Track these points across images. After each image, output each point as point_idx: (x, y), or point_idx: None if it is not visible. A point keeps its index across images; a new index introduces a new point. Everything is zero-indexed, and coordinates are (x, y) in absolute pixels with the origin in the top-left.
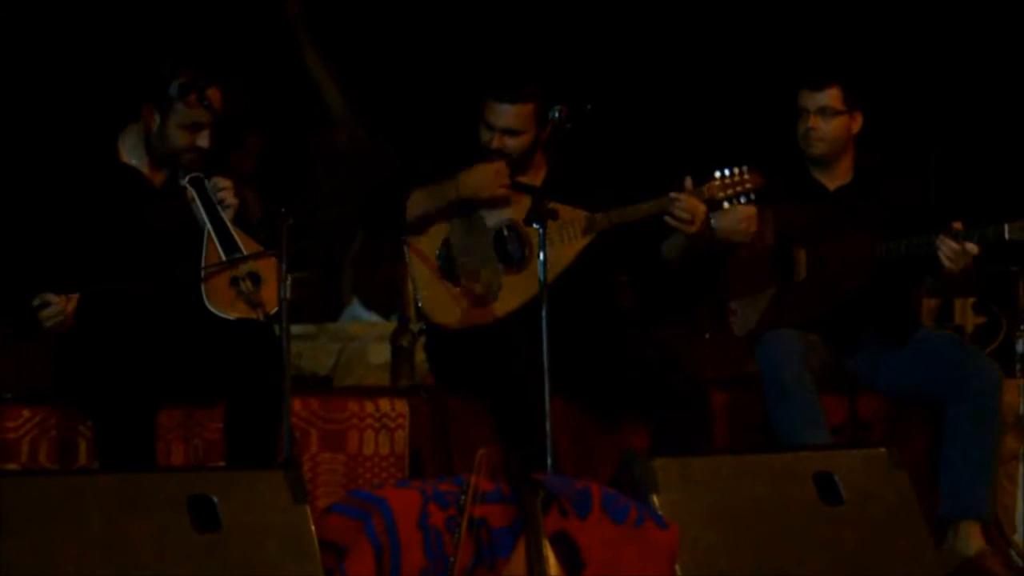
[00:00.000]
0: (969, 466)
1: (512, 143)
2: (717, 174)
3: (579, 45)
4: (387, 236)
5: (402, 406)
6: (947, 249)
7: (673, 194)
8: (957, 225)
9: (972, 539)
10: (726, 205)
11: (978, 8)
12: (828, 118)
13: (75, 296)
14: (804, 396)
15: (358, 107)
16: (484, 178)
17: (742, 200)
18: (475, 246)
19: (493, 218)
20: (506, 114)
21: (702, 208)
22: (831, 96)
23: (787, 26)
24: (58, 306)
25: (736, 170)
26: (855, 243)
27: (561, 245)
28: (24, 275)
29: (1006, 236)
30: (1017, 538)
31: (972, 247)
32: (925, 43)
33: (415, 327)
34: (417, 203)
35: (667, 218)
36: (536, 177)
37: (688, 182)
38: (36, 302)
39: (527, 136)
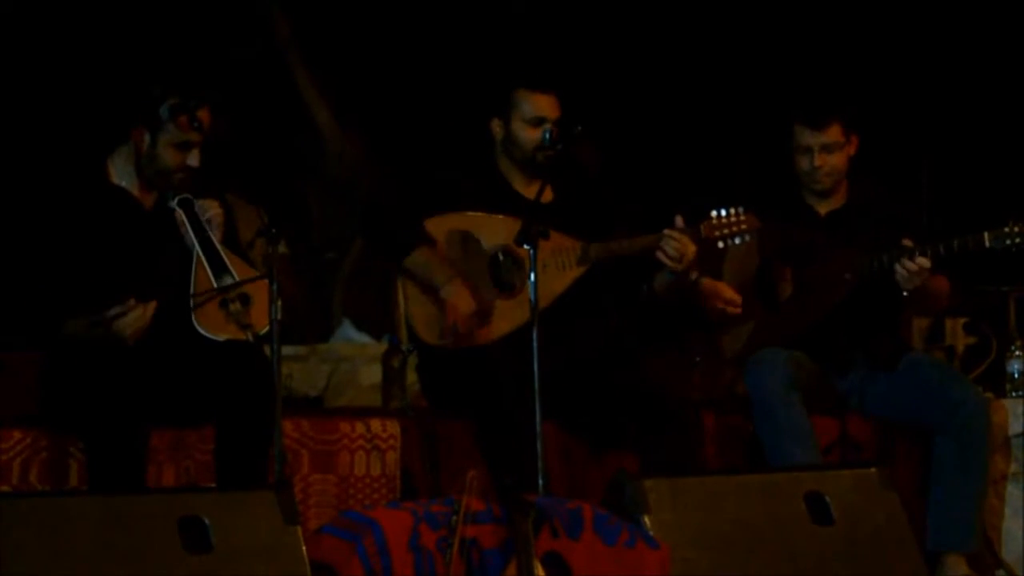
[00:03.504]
0: (955, 500)
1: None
2: (713, 213)
3: (573, 70)
4: (388, 257)
5: (393, 427)
6: (901, 270)
7: (667, 231)
8: (907, 242)
9: (957, 569)
10: (720, 245)
11: (968, 17)
12: (832, 153)
13: (153, 303)
14: (792, 416)
15: (349, 129)
16: (465, 305)
17: (736, 241)
18: (470, 269)
19: (490, 242)
20: (554, 104)
21: (692, 248)
22: (834, 132)
23: (777, 51)
24: (138, 312)
25: (733, 211)
26: (840, 263)
27: (556, 272)
28: (17, 297)
29: (986, 244)
30: (1007, 557)
31: (923, 260)
32: (913, 53)
33: (406, 347)
34: (415, 260)
35: (658, 253)
36: (533, 189)
37: (679, 220)
38: (116, 310)
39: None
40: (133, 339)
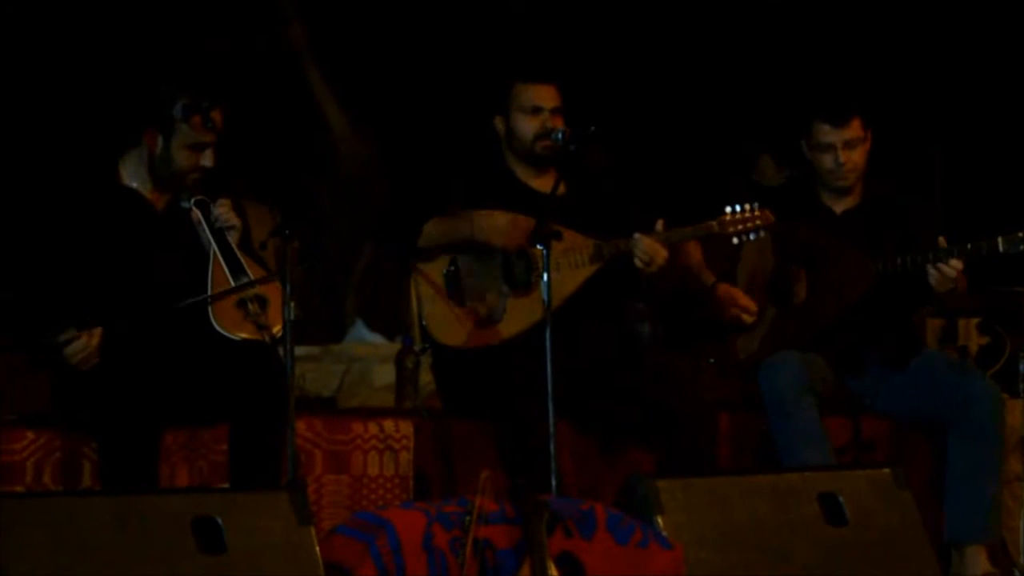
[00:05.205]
0: (971, 491)
1: (559, 123)
2: (728, 209)
3: (585, 68)
4: (397, 258)
5: (406, 427)
6: (935, 272)
7: (637, 235)
8: (942, 240)
9: (977, 562)
10: (735, 241)
11: (980, 10)
12: (854, 148)
13: (97, 330)
14: (806, 417)
15: (360, 128)
16: (500, 227)
17: (751, 237)
18: (483, 268)
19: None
20: (551, 94)
21: (662, 253)
22: (855, 127)
23: (785, 46)
24: (82, 341)
25: (747, 206)
26: (855, 263)
27: (569, 271)
28: (29, 300)
29: (1000, 249)
30: (1021, 559)
31: (956, 263)
32: (924, 47)
33: (418, 347)
34: (430, 233)
35: (633, 258)
36: (547, 183)
37: (659, 224)
38: (61, 338)
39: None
40: (84, 366)
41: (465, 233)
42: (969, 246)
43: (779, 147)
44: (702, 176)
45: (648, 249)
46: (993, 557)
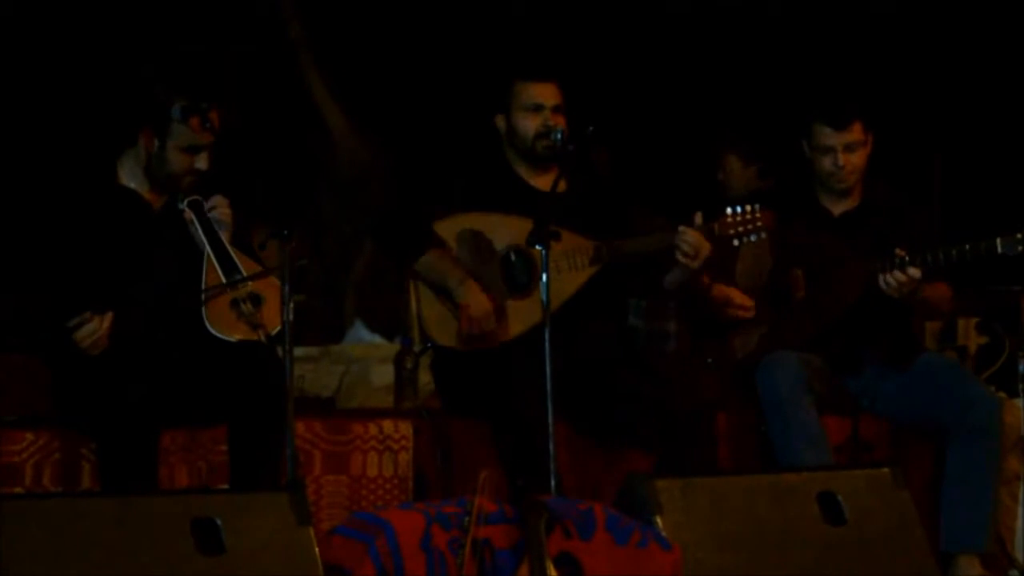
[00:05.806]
0: (968, 501)
1: (560, 121)
2: (729, 211)
3: (585, 70)
4: (398, 260)
5: (406, 428)
6: (892, 280)
7: (681, 228)
8: (900, 252)
9: (970, 570)
10: (736, 243)
11: (980, 13)
12: (854, 151)
13: (109, 314)
14: (804, 417)
15: (360, 129)
16: (479, 307)
17: (752, 238)
18: (482, 270)
19: (501, 243)
20: (551, 92)
21: (706, 245)
22: (856, 131)
23: (785, 47)
24: (94, 324)
25: (748, 208)
26: (851, 265)
27: (568, 273)
28: (28, 300)
29: (998, 250)
30: (1020, 556)
31: (915, 272)
32: (923, 49)
33: (418, 347)
34: (422, 266)
35: (677, 252)
36: (548, 182)
37: (698, 217)
38: (74, 322)
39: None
40: (94, 350)
41: (449, 286)
42: (967, 247)
43: (746, 144)
44: (701, 176)
45: (694, 242)
46: (987, 561)
